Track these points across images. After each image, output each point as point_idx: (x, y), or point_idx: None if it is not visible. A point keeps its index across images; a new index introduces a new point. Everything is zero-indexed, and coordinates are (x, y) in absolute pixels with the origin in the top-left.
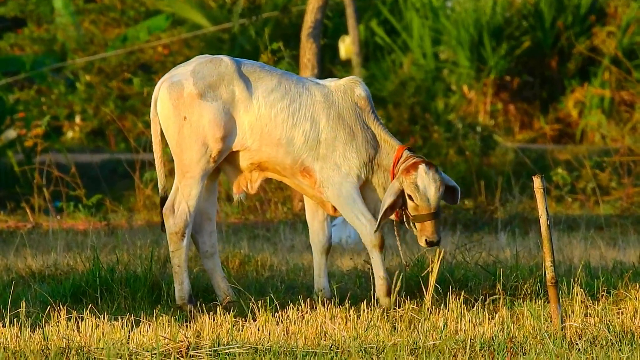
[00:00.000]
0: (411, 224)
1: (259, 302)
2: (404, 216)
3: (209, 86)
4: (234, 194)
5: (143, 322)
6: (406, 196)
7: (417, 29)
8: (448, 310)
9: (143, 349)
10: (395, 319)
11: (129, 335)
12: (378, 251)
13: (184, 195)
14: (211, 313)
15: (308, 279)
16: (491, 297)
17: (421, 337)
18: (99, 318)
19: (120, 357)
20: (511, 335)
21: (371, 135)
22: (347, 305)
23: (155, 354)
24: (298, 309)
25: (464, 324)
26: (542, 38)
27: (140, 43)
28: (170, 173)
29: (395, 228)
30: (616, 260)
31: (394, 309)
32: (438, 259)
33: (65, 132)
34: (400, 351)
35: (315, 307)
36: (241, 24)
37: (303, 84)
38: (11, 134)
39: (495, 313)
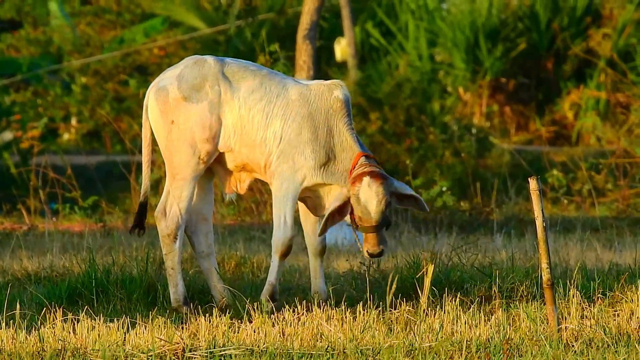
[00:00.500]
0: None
1: (255, 303)
2: (354, 222)
3: (192, 88)
4: (225, 193)
5: (139, 323)
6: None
7: (412, 31)
8: (444, 312)
9: (139, 350)
10: (391, 321)
11: (124, 337)
12: (279, 258)
13: (175, 197)
14: (207, 315)
15: (304, 280)
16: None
17: (417, 339)
18: (95, 320)
19: (116, 359)
20: (507, 337)
21: (338, 139)
22: (343, 306)
23: (151, 355)
24: (294, 311)
25: (460, 326)
26: (537, 40)
27: (136, 45)
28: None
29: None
30: (612, 262)
31: (390, 310)
32: (433, 260)
33: (61, 133)
34: (396, 353)
35: (311, 309)
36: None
37: (284, 85)
38: (7, 135)
39: (491, 315)
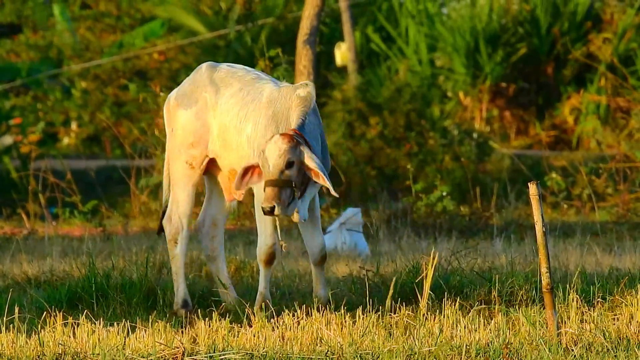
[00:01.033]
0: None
1: (255, 308)
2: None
3: (185, 95)
4: (226, 200)
5: (139, 327)
6: None
7: (413, 36)
8: (443, 317)
9: (139, 354)
10: (391, 325)
11: (124, 341)
12: (263, 266)
13: (174, 203)
14: (207, 319)
15: (303, 285)
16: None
17: (417, 343)
18: (95, 324)
19: None
20: (507, 341)
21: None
22: (342, 311)
23: (150, 359)
24: (294, 315)
25: (460, 330)
26: (538, 44)
27: (136, 49)
28: None
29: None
30: (612, 266)
31: (389, 315)
32: (432, 265)
33: (61, 138)
34: (396, 357)
35: (311, 313)
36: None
37: (261, 89)
38: (7, 140)
39: (491, 319)
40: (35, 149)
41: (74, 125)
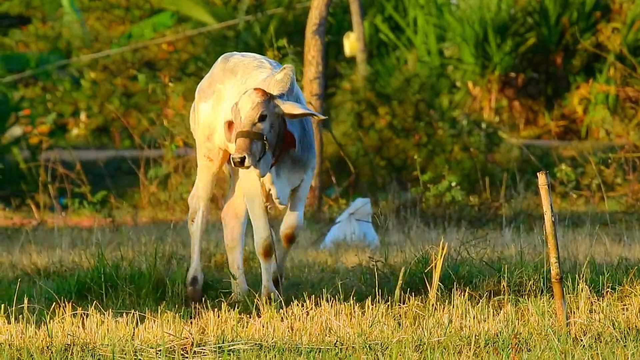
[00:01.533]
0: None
1: (264, 298)
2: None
3: (203, 88)
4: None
5: (148, 318)
6: None
7: (421, 26)
8: (453, 307)
9: (147, 345)
10: (400, 316)
11: (133, 332)
12: (263, 259)
13: (196, 187)
14: (216, 309)
15: (313, 275)
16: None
17: (426, 334)
18: (104, 314)
19: (125, 354)
20: (516, 331)
21: None
22: (351, 301)
23: (159, 350)
24: (303, 306)
25: (469, 321)
26: (547, 35)
27: (145, 40)
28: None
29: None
30: (621, 256)
31: (399, 305)
32: (441, 255)
33: (70, 129)
34: (405, 347)
35: (320, 304)
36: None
37: (256, 78)
38: (16, 131)
39: (500, 309)
40: (45, 140)
41: (83, 116)
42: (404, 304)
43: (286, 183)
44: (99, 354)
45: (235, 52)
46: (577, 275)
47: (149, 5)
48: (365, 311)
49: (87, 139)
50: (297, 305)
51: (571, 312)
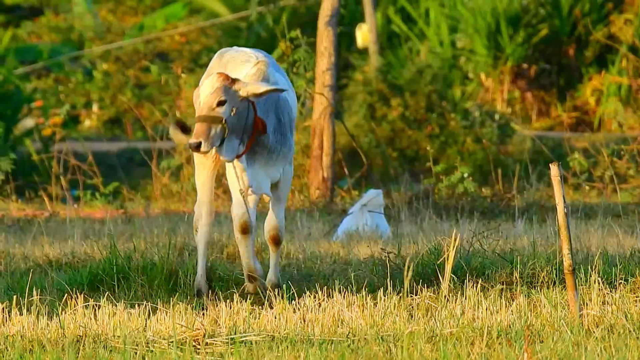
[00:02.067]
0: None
1: (276, 290)
2: None
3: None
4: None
5: (160, 310)
6: None
7: (434, 17)
8: (465, 298)
9: (160, 336)
10: (412, 307)
11: (145, 323)
12: (239, 234)
13: (198, 191)
14: (228, 301)
15: (325, 267)
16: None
17: (438, 325)
18: (116, 306)
19: (137, 345)
20: (528, 323)
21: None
22: (363, 293)
23: (171, 341)
24: (315, 297)
25: (481, 312)
26: (559, 26)
27: (157, 31)
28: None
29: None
30: (634, 248)
31: (411, 296)
32: (454, 246)
33: (83, 120)
34: (417, 339)
35: (332, 295)
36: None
37: (239, 72)
38: (29, 122)
39: (513, 301)
40: (58, 131)
41: (95, 108)
42: (416, 295)
43: (262, 173)
44: (111, 346)
45: (232, 47)
46: (589, 267)
47: None
48: (377, 302)
49: (100, 130)
50: (309, 296)
51: (584, 304)
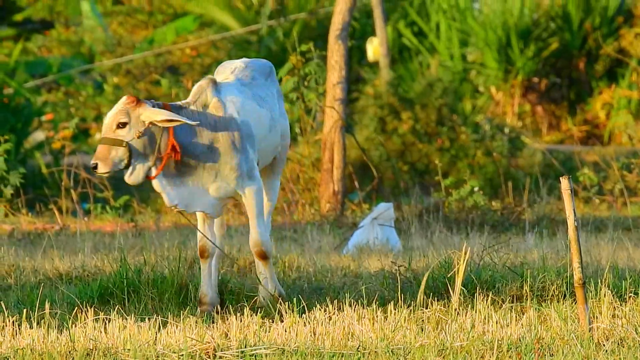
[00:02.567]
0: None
1: (286, 303)
2: None
3: None
4: None
5: (170, 323)
6: None
7: (444, 31)
8: (475, 312)
9: (170, 350)
10: (423, 320)
11: (156, 337)
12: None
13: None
14: (238, 314)
15: (335, 280)
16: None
17: (448, 338)
18: (126, 319)
19: (147, 359)
20: (538, 336)
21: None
22: (374, 306)
23: (182, 355)
24: (325, 310)
25: (492, 325)
26: (569, 39)
27: (168, 45)
28: None
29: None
30: None
31: (421, 310)
32: (464, 260)
33: (93, 134)
34: (428, 352)
35: (343, 309)
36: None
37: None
38: (39, 136)
39: (523, 314)
40: (68, 145)
41: None
42: (426, 308)
43: (199, 192)
44: (121, 359)
45: (230, 61)
46: (599, 280)
47: (172, 10)
48: (387, 316)
49: None
50: (320, 309)
51: (594, 317)
